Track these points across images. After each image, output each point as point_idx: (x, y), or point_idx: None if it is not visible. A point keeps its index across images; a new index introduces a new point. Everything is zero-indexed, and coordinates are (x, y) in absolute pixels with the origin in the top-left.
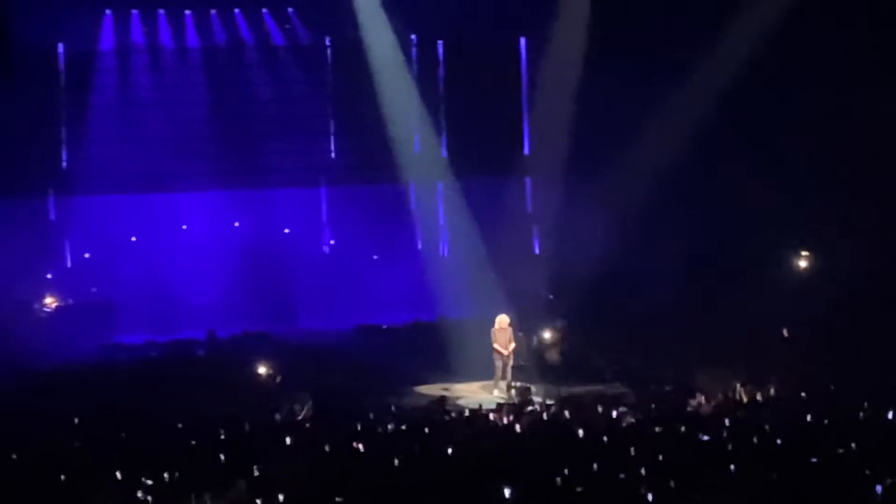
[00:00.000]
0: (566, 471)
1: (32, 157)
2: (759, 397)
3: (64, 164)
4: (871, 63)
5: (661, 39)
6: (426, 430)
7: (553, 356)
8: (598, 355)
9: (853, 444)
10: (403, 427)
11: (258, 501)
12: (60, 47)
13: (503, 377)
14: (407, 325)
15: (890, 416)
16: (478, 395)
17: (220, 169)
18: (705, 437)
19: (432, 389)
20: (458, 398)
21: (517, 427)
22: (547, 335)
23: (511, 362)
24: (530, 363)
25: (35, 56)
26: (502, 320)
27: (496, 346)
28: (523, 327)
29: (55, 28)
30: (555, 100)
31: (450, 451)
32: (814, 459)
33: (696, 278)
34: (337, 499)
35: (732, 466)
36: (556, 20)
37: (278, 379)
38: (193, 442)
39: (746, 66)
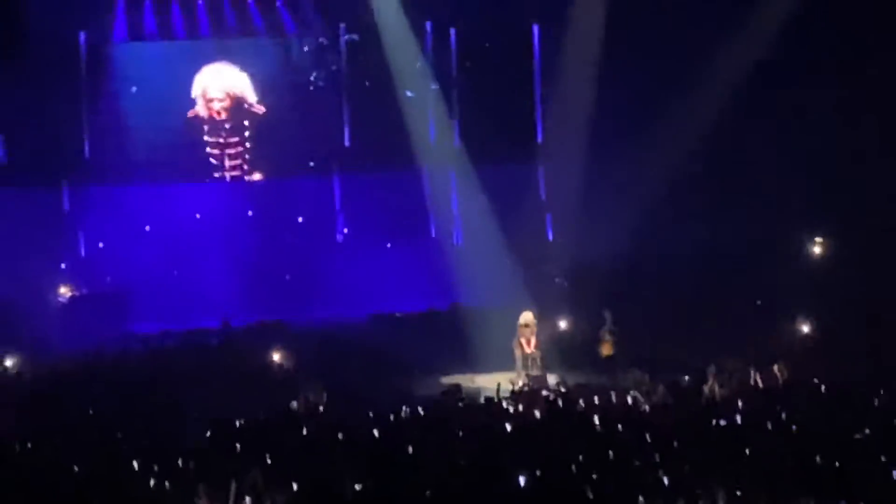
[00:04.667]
0: (581, 458)
1: (47, 148)
2: (774, 383)
3: (87, 154)
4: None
5: (679, 29)
6: (440, 417)
7: (607, 349)
8: (613, 341)
9: (867, 430)
10: (417, 415)
11: (273, 490)
12: (82, 37)
13: (524, 368)
14: (421, 312)
15: None
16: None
17: (233, 157)
18: (721, 423)
19: (455, 380)
20: (475, 386)
21: (532, 414)
22: (603, 331)
23: (535, 357)
24: (547, 351)
25: (54, 45)
26: (526, 317)
27: (521, 341)
28: (541, 315)
29: (73, 17)
30: (569, 87)
31: (461, 434)
32: (829, 445)
33: (711, 266)
34: (354, 486)
35: (748, 451)
36: (572, 7)
37: (290, 367)
38: (208, 431)
39: (765, 56)
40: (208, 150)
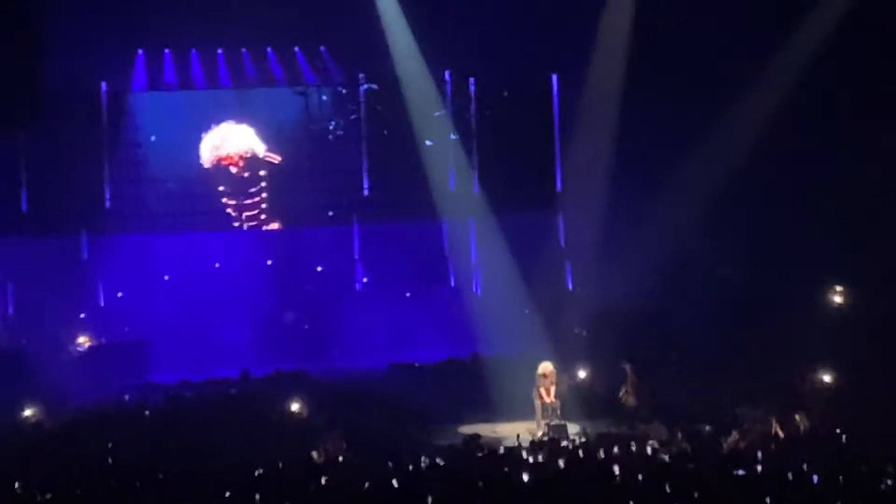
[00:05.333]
0: None
1: (67, 196)
2: (795, 433)
3: (107, 202)
4: None
5: (697, 78)
6: (460, 467)
7: (631, 401)
8: (635, 392)
9: (890, 482)
10: (436, 465)
11: None
12: (103, 86)
13: (544, 418)
14: (441, 362)
15: None
16: (520, 434)
17: (249, 208)
18: (741, 472)
19: (475, 429)
20: (495, 436)
21: (552, 464)
22: (624, 385)
23: (555, 407)
24: (566, 401)
25: (74, 95)
26: (545, 367)
27: (541, 390)
28: (561, 364)
29: (93, 67)
30: (588, 136)
31: (481, 485)
32: (850, 496)
33: (732, 315)
34: None
35: (768, 501)
36: (592, 57)
37: (309, 416)
38: (227, 481)
39: (787, 104)
40: (225, 200)
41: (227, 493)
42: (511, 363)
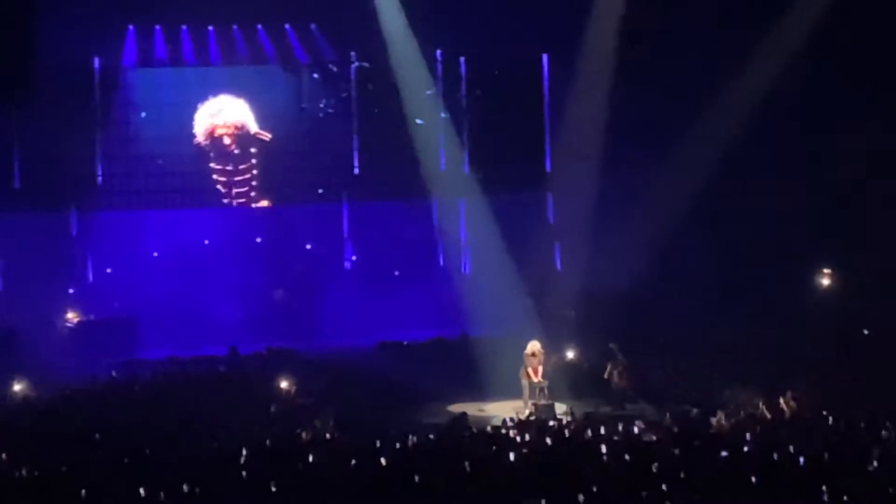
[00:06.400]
0: (588, 487)
1: (58, 173)
2: (781, 415)
3: (98, 179)
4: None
5: (688, 60)
6: (448, 446)
7: (621, 383)
8: (623, 373)
9: (875, 463)
10: (424, 443)
11: None
12: (96, 62)
13: (531, 397)
14: (429, 341)
15: None
16: (507, 413)
17: (239, 184)
18: (727, 453)
19: (463, 408)
20: (483, 415)
21: (539, 444)
22: (611, 366)
23: (543, 386)
24: (554, 380)
25: (66, 71)
26: (534, 346)
27: (528, 370)
28: (549, 344)
29: (84, 43)
30: (578, 116)
31: (468, 467)
32: (836, 476)
33: (720, 297)
34: None
35: (754, 481)
36: (583, 38)
37: (298, 394)
38: (215, 458)
39: (775, 88)
40: (215, 177)
41: (215, 471)
42: (499, 343)
